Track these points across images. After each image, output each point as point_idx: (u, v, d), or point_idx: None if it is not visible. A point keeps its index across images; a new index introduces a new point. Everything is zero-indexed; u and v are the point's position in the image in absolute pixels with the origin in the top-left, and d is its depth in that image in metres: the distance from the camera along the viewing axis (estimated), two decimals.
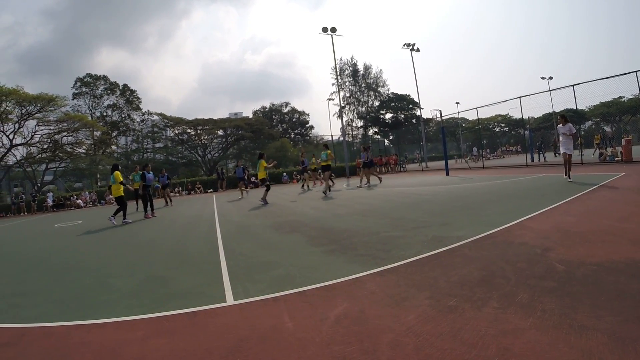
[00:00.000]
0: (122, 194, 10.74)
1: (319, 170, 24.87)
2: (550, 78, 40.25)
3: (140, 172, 12.84)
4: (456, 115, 46.00)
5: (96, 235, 9.02)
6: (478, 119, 25.68)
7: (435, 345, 2.05)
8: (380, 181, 16.43)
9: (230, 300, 3.23)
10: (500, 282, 2.92)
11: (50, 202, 26.45)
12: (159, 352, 2.40)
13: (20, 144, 34.16)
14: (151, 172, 13.13)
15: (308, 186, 18.26)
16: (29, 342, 2.82)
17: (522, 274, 3.08)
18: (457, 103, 62.25)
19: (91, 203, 25.77)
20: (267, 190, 12.04)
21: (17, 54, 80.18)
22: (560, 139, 9.53)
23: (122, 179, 10.65)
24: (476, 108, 22.38)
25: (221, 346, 2.36)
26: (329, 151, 13.77)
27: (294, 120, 57.38)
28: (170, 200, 17.04)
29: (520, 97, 18.67)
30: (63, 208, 25.96)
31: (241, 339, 2.42)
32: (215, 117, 47.14)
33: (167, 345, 2.48)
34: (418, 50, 35.86)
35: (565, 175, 9.41)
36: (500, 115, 49.98)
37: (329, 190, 12.95)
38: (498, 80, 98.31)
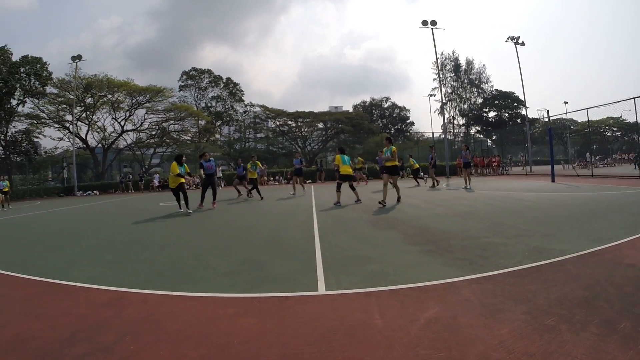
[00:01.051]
0: (179, 185, 10.21)
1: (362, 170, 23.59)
2: None
3: (200, 162, 11.67)
4: (564, 116, 41.61)
5: (198, 215, 9.80)
6: (588, 120, 22.91)
7: None
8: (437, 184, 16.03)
9: (322, 289, 3.32)
10: (603, 306, 2.63)
11: (156, 182, 29.56)
12: (247, 330, 2.54)
13: (130, 130, 38.92)
14: (212, 159, 11.81)
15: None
16: (125, 305, 3.17)
17: (628, 299, 2.74)
18: (566, 103, 55.79)
19: (194, 186, 27.39)
20: (353, 189, 10.81)
21: (126, 50, 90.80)
22: None
23: (178, 171, 10.00)
24: (586, 109, 19.95)
25: (308, 333, 2.43)
26: (393, 148, 9.98)
27: (394, 115, 56.57)
28: (239, 192, 15.59)
29: (634, 98, 16.24)
30: (168, 189, 28.63)
31: (329, 329, 2.48)
32: (315, 110, 48.19)
33: (255, 325, 2.61)
34: (523, 44, 33.19)
35: None
36: (612, 118, 43.88)
37: (389, 201, 9.70)
38: (608, 78, 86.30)
